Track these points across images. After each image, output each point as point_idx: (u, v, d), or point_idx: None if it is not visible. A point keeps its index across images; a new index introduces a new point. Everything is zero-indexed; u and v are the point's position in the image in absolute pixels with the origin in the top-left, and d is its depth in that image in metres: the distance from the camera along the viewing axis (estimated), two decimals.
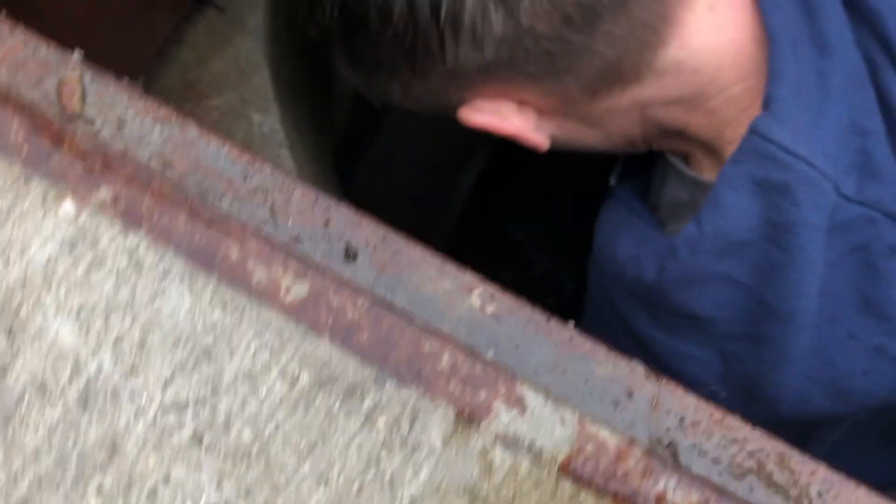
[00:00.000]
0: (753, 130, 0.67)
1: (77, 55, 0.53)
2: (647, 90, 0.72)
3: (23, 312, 0.39)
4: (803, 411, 0.72)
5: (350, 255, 0.50)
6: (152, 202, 0.40)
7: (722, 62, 0.70)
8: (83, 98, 0.51)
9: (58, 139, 0.41)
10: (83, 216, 0.40)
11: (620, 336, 0.83)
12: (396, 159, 1.73)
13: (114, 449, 0.37)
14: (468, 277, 0.49)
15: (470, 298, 0.49)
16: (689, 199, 0.83)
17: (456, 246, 2.08)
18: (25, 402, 0.38)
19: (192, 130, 0.51)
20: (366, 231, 0.50)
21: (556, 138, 0.77)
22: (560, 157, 0.83)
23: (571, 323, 0.49)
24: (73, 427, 0.37)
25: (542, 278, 2.00)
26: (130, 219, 0.39)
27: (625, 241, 0.81)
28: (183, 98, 0.97)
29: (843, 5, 0.70)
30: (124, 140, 0.51)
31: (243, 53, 0.98)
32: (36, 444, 0.37)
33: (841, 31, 0.69)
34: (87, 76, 0.52)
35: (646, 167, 0.92)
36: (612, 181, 0.95)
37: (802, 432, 0.81)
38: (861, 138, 0.67)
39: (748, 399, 0.73)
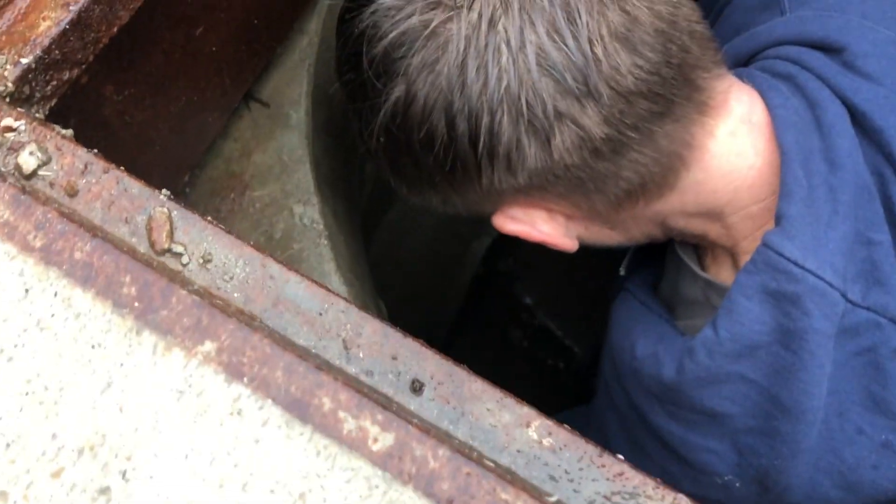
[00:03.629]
0: (766, 244, 0.71)
1: (165, 192, 0.57)
2: (669, 205, 0.76)
3: (136, 456, 0.43)
4: (813, 501, 0.75)
5: (416, 388, 0.54)
6: (253, 354, 0.44)
7: (740, 186, 0.75)
8: (171, 234, 0.56)
9: (167, 293, 0.45)
10: (190, 367, 0.44)
11: (636, 426, 0.87)
12: (413, 225, 1.77)
13: None
14: (526, 410, 0.53)
15: (528, 431, 0.53)
16: (703, 298, 0.88)
17: (469, 307, 2.12)
18: None
19: (273, 267, 0.55)
20: (431, 365, 0.54)
21: (582, 238, 0.82)
22: None
23: (621, 457, 0.53)
24: None
25: (551, 341, 2.04)
26: (233, 370, 0.43)
27: (642, 337, 0.85)
28: (227, 189, 1.02)
29: (852, 123, 0.74)
30: (210, 275, 0.55)
31: (286, 147, 1.03)
32: None
33: (850, 148, 0.72)
34: (176, 213, 0.56)
35: (656, 257, 0.97)
36: (622, 271, 1.00)
37: None
38: (868, 249, 0.71)
39: (761, 489, 0.77)
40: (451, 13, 0.67)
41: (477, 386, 0.54)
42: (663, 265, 0.97)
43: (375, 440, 0.43)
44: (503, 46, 0.66)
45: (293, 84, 1.05)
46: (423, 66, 0.68)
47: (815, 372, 0.70)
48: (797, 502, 0.76)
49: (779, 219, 0.71)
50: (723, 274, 0.84)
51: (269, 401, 0.43)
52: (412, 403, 0.53)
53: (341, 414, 0.43)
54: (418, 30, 0.68)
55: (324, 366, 0.47)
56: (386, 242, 1.78)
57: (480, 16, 0.66)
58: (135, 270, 0.45)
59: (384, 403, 0.44)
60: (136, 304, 0.45)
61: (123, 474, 0.42)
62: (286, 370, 0.44)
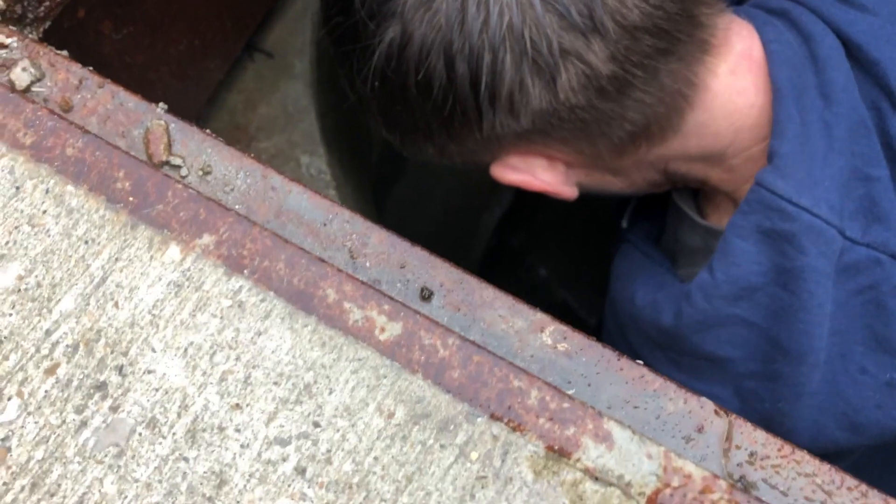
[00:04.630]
0: (758, 183, 0.69)
1: (162, 106, 0.56)
2: (671, 149, 0.74)
3: (132, 352, 0.41)
4: (820, 443, 0.73)
5: (425, 295, 0.52)
6: (253, 247, 0.42)
7: (742, 126, 0.73)
8: (169, 146, 0.54)
9: (162, 187, 0.43)
10: (188, 261, 0.42)
11: None
12: (423, 197, 1.75)
13: (221, 482, 0.39)
14: (540, 316, 0.51)
15: (542, 336, 0.51)
16: (703, 244, 0.86)
17: (483, 277, 2.10)
18: (137, 437, 0.40)
19: (275, 178, 0.53)
20: (440, 273, 0.52)
21: (583, 185, 0.79)
22: (583, 197, 0.85)
23: (640, 362, 0.51)
24: (182, 461, 0.39)
25: (565, 312, 2.02)
26: (233, 263, 0.42)
27: (642, 286, 0.83)
28: (233, 141, 1.00)
29: (847, 57, 0.72)
30: (210, 187, 0.54)
31: (291, 98, 1.01)
32: (148, 476, 0.39)
33: (846, 82, 0.70)
34: (174, 125, 0.54)
35: (656, 209, 0.94)
36: (624, 224, 0.98)
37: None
38: (866, 185, 0.69)
39: None
40: None
41: (488, 293, 0.52)
42: (665, 218, 0.95)
43: (382, 330, 0.41)
44: None
45: (296, 33, 1.03)
46: (420, 4, 0.65)
47: (815, 312, 0.68)
48: (803, 445, 0.74)
49: (771, 156, 0.69)
50: (724, 220, 0.82)
51: (272, 293, 0.41)
52: (422, 310, 0.51)
53: (346, 304, 0.41)
54: None
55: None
56: (395, 217, 1.77)
57: None
58: (129, 165, 0.44)
59: (391, 295, 0.42)
60: (131, 198, 0.43)
61: (120, 370, 0.40)
62: (288, 262, 0.42)
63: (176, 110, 0.90)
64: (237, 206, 0.53)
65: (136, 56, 0.79)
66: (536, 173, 0.76)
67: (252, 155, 0.54)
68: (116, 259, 0.42)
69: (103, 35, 0.74)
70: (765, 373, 0.73)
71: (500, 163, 0.76)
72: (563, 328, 0.51)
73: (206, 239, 0.42)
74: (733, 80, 0.72)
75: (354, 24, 0.69)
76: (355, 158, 1.13)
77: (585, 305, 2.00)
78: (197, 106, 0.94)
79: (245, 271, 0.42)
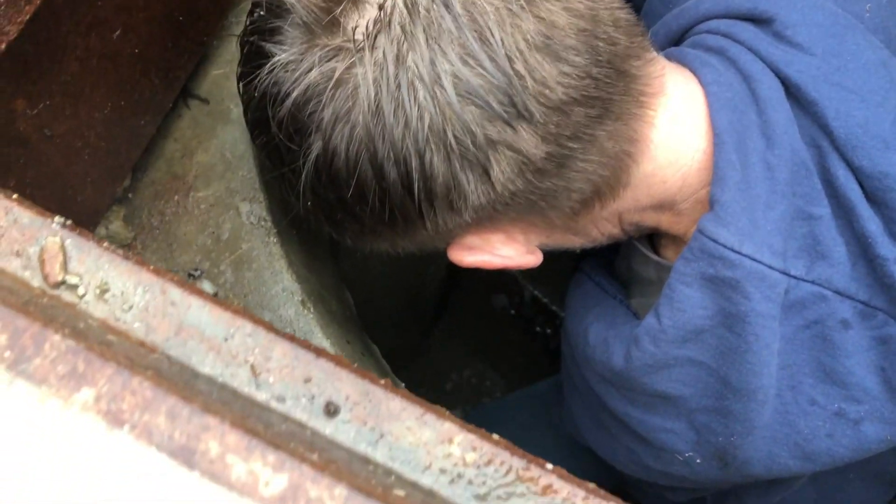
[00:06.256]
0: (700, 231, 0.69)
1: (58, 220, 0.54)
2: (623, 203, 0.73)
3: None
4: (773, 472, 0.75)
5: (331, 410, 0.51)
6: (133, 400, 0.41)
7: (688, 171, 0.72)
8: (65, 265, 0.53)
9: (39, 340, 0.42)
10: (67, 417, 0.41)
11: (597, 408, 0.87)
12: None
13: None
14: (448, 426, 0.50)
15: (450, 447, 0.50)
16: (656, 277, 0.86)
17: (453, 279, 2.10)
18: None
19: (174, 292, 0.52)
20: (346, 385, 0.51)
21: (544, 245, 0.79)
22: None
23: (550, 466, 0.50)
24: None
25: (533, 304, 2.02)
26: (113, 418, 0.41)
27: (595, 322, 0.84)
28: (171, 191, 0.99)
29: (787, 95, 0.72)
30: (108, 307, 0.52)
31: (228, 144, 0.99)
32: None
33: (786, 123, 0.70)
34: (69, 241, 0.53)
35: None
36: (578, 250, 0.98)
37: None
38: (809, 224, 0.69)
39: (722, 464, 0.77)
40: (354, 57, 0.62)
41: (395, 403, 0.51)
42: (619, 244, 0.95)
43: (267, 484, 0.40)
44: (417, 82, 0.62)
45: (232, 76, 1.01)
46: (337, 119, 0.64)
47: (761, 353, 0.69)
48: (757, 474, 0.76)
49: (712, 204, 0.69)
50: (676, 256, 0.83)
51: (153, 448, 0.41)
52: (327, 428, 0.50)
53: (230, 458, 0.41)
54: (322, 82, 0.63)
55: (218, 403, 0.44)
56: None
57: (385, 54, 0.62)
58: (4, 317, 0.42)
59: (278, 442, 0.41)
60: (7, 353, 0.42)
61: None
62: (169, 415, 0.41)
63: (109, 170, 0.89)
64: (136, 325, 0.52)
65: (56, 127, 0.78)
66: (496, 249, 0.75)
67: (151, 267, 0.53)
68: None
69: (16, 113, 0.72)
70: (716, 408, 0.74)
71: (457, 245, 0.75)
72: (472, 437, 0.50)
73: (86, 393, 0.41)
74: (674, 128, 0.72)
75: (277, 146, 0.69)
76: None
77: (557, 301, 2.00)
78: (130, 162, 0.93)
79: (125, 426, 0.41)
